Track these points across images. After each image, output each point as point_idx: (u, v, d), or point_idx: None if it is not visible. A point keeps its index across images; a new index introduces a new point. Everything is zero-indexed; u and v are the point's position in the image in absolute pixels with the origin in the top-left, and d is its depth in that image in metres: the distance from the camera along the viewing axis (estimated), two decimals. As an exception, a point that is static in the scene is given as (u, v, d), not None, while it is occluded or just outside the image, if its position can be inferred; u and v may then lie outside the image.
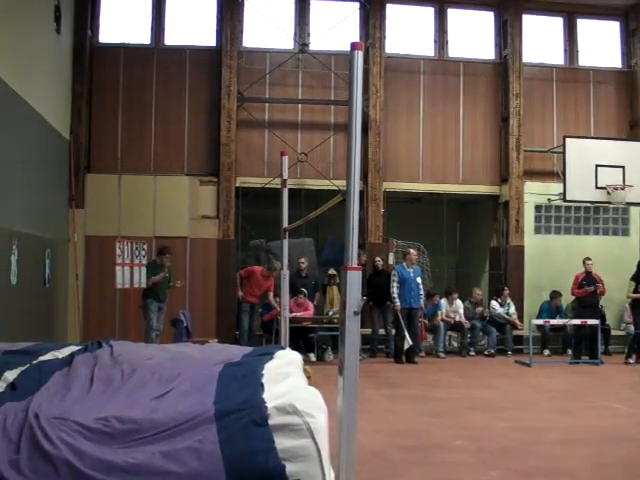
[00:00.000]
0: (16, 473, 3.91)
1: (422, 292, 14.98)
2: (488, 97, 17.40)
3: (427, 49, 17.41)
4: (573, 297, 15.49)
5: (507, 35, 17.18)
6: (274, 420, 4.24)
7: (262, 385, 4.76)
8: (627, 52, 18.00)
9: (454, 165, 17.17)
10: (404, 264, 14.91)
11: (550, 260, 16.99)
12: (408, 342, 14.26)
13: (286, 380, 5.03)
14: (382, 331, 15.45)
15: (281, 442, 4.16)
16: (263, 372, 5.15)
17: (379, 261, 15.66)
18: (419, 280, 14.84)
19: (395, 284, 14.64)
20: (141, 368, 5.30)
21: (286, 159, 9.49)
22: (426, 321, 15.65)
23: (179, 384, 4.90)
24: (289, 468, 4.11)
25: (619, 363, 14.82)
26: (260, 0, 16.65)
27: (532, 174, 17.19)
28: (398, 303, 14.53)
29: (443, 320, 15.88)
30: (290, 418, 4.24)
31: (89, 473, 3.94)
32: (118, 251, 13.29)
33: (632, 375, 13.73)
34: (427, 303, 15.87)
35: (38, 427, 4.11)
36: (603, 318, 15.76)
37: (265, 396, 4.50)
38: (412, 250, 15.24)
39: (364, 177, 16.23)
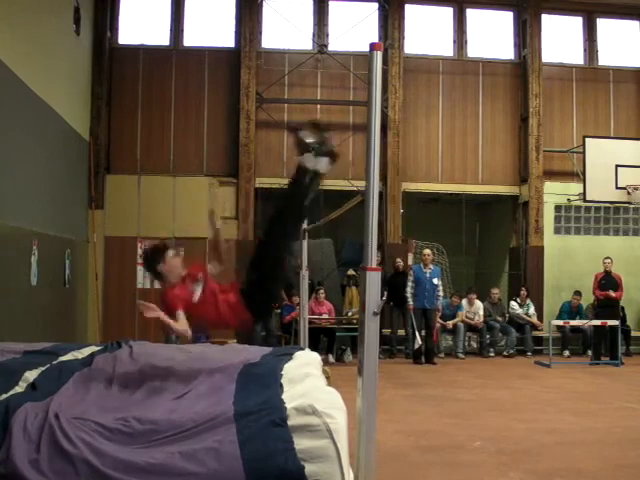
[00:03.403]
0: (36, 472, 3.91)
1: (440, 293, 14.92)
2: (507, 97, 17.34)
3: (446, 49, 17.37)
4: (594, 297, 15.44)
5: (526, 35, 17.11)
6: (293, 421, 4.22)
7: (281, 386, 4.76)
8: (648, 51, 17.86)
9: (473, 165, 17.12)
10: (422, 264, 14.91)
11: (570, 261, 16.89)
12: (418, 342, 14.32)
13: (305, 381, 5.03)
14: (402, 332, 15.45)
15: (300, 443, 4.14)
16: (282, 372, 5.14)
17: (400, 262, 15.65)
18: (436, 281, 14.75)
19: (410, 284, 14.69)
20: (160, 368, 5.32)
21: (305, 160, 9.44)
22: (444, 323, 15.63)
23: (198, 384, 4.90)
24: (308, 469, 4.09)
25: (640, 364, 14.78)
26: (279, 1, 16.69)
27: (552, 174, 17.12)
28: (410, 302, 14.60)
29: (463, 321, 15.84)
30: (309, 419, 4.23)
31: (109, 473, 3.94)
32: (140, 251, 13.34)
33: (653, 376, 13.66)
34: (449, 303, 15.87)
35: (58, 427, 4.12)
36: (623, 319, 15.69)
37: (284, 397, 4.49)
38: (426, 250, 15.21)
39: (383, 177, 16.16)
